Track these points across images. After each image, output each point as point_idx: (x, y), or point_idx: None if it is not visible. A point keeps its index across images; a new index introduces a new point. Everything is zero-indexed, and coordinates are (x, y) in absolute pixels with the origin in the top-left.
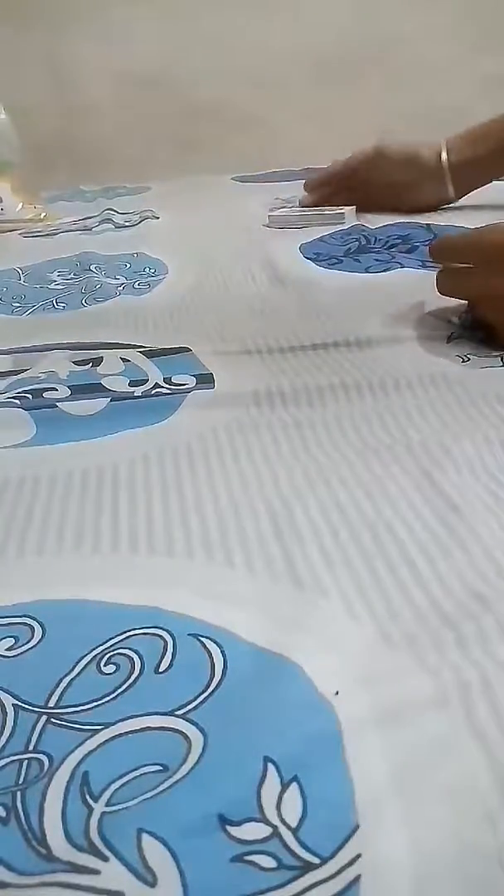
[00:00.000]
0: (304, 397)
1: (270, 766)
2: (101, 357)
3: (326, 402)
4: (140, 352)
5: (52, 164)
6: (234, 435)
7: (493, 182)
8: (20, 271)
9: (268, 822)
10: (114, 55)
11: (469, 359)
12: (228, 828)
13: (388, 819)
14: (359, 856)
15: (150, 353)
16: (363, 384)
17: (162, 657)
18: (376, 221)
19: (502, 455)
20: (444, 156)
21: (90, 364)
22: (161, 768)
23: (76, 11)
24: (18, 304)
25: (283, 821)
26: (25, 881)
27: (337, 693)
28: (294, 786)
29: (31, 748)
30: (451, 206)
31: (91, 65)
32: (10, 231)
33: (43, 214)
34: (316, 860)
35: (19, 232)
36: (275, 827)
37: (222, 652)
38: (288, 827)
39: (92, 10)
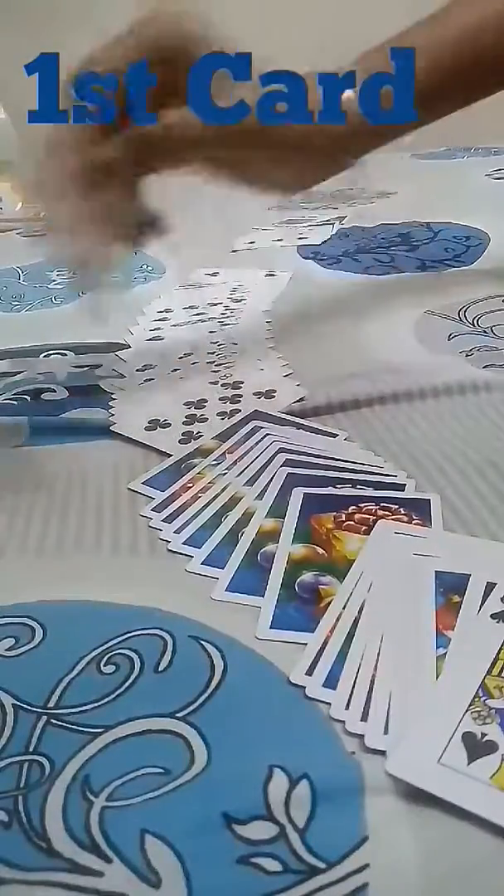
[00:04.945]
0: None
1: (277, 767)
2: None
3: None
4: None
5: None
6: None
7: None
8: (20, 270)
9: (275, 821)
10: None
11: None
12: (235, 826)
13: (398, 829)
14: (367, 865)
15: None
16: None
17: (161, 657)
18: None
19: None
20: None
21: (88, 367)
22: (163, 771)
23: (76, 11)
24: (18, 303)
25: (290, 820)
26: (26, 877)
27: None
28: (304, 783)
29: (31, 749)
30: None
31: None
32: (10, 230)
33: (42, 213)
34: (322, 864)
35: (18, 231)
36: (282, 826)
37: (222, 654)
38: (295, 827)
39: (92, 10)
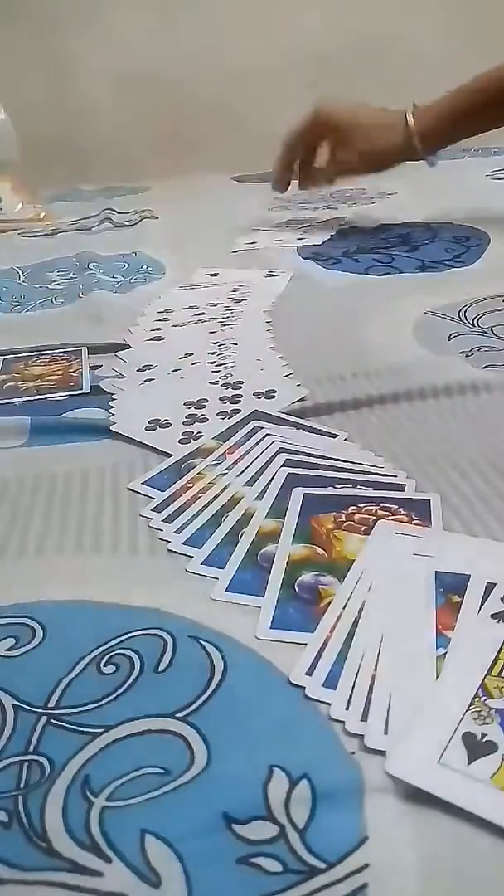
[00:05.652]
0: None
1: (277, 767)
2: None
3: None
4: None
5: (51, 163)
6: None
7: None
8: (20, 271)
9: (275, 821)
10: (113, 55)
11: None
12: (235, 826)
13: (398, 829)
14: (367, 865)
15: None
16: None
17: (161, 657)
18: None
19: None
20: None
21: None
22: (163, 771)
23: (76, 11)
24: (18, 303)
25: (290, 820)
26: (26, 877)
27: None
28: (304, 783)
29: (31, 749)
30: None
31: (91, 65)
32: (10, 231)
33: (42, 214)
34: (322, 865)
35: (19, 232)
36: (282, 826)
37: (222, 655)
38: (295, 827)
39: (92, 10)
